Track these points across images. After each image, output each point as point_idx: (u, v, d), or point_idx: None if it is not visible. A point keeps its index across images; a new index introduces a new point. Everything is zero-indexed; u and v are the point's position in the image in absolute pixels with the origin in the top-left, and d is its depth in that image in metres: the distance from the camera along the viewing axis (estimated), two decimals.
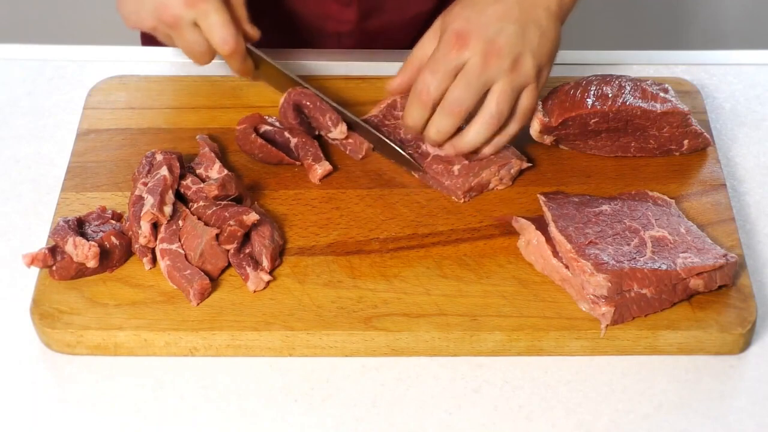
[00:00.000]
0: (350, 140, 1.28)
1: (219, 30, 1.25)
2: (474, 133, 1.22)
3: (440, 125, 1.21)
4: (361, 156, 1.27)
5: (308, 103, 1.28)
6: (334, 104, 1.29)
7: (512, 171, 1.25)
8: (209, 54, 1.28)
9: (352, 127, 1.29)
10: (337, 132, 1.27)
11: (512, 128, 1.23)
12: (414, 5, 1.50)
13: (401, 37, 1.53)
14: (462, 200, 1.23)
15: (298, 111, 1.29)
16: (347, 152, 1.28)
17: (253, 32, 1.31)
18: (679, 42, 2.64)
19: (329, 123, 1.27)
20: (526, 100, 1.22)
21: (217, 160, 1.23)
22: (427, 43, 1.25)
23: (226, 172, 1.22)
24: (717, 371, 1.12)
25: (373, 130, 1.28)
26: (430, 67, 1.20)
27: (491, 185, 1.24)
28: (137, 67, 1.40)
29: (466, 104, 1.20)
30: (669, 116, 1.25)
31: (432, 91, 1.20)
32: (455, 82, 1.20)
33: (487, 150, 1.24)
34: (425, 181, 1.26)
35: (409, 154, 1.26)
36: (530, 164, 1.26)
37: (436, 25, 1.24)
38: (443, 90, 1.20)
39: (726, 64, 1.43)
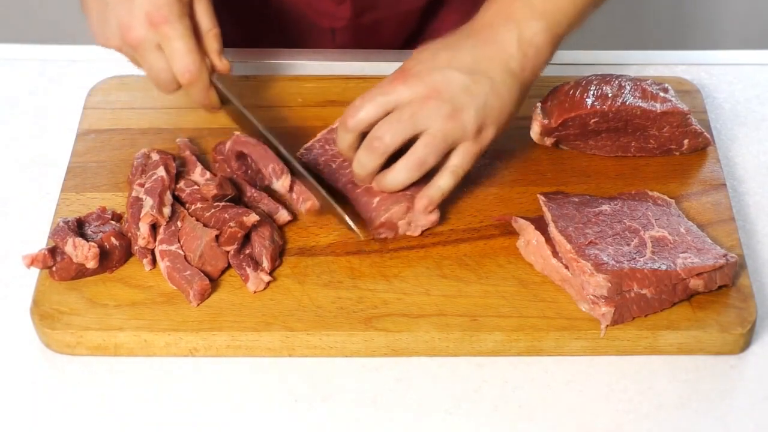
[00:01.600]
0: (293, 194, 1.21)
1: (181, 57, 1.18)
2: (395, 173, 1.16)
3: (362, 160, 1.17)
4: (305, 210, 1.20)
5: (252, 153, 1.21)
6: (285, 153, 1.22)
7: (421, 222, 1.19)
8: (174, 82, 1.21)
9: (297, 175, 1.21)
10: (279, 185, 1.20)
11: (443, 183, 1.17)
12: (407, 1, 1.50)
13: (395, 33, 1.53)
14: (378, 236, 1.19)
15: (242, 159, 1.23)
16: (295, 205, 1.22)
17: (222, 66, 1.24)
18: (679, 42, 2.64)
19: (272, 174, 1.20)
20: (458, 158, 1.16)
21: (198, 164, 1.23)
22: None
23: (208, 174, 1.21)
24: (717, 371, 1.12)
25: (320, 188, 1.20)
26: (364, 96, 1.17)
27: (401, 229, 1.19)
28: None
29: (388, 142, 1.14)
30: (669, 116, 1.25)
31: (359, 119, 1.16)
32: (386, 118, 1.15)
33: (419, 204, 1.17)
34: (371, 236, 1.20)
35: (354, 219, 1.18)
36: (437, 218, 1.19)
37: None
38: (369, 120, 1.16)
39: (726, 64, 1.43)
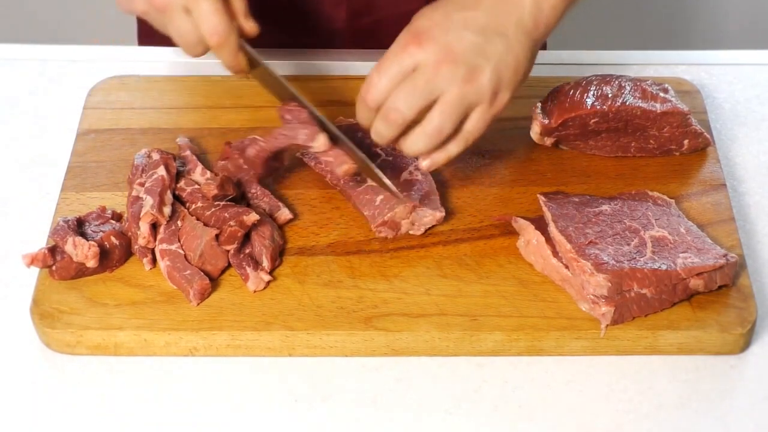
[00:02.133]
0: (330, 157, 1.20)
1: (209, 18, 1.14)
2: (410, 143, 1.15)
3: (379, 130, 1.15)
4: (342, 172, 1.19)
5: (294, 117, 1.21)
6: (320, 116, 1.21)
7: (425, 220, 1.19)
8: (201, 45, 1.17)
9: (336, 142, 1.20)
10: (317, 145, 1.18)
11: (453, 148, 1.15)
12: (405, 3, 1.49)
13: (393, 35, 1.52)
14: (378, 233, 1.19)
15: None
16: (327, 175, 1.22)
17: (250, 27, 1.21)
18: (679, 42, 2.64)
19: (306, 138, 1.19)
20: (472, 124, 1.14)
21: (199, 163, 1.23)
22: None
23: (208, 174, 1.22)
24: (717, 371, 1.12)
25: (359, 152, 1.19)
26: (379, 67, 1.14)
27: (403, 228, 1.19)
28: (137, 67, 1.40)
29: (405, 113, 1.13)
30: (669, 116, 1.25)
31: (376, 93, 1.14)
32: (400, 86, 1.13)
33: (425, 164, 1.17)
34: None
35: (394, 183, 1.19)
36: (443, 214, 1.19)
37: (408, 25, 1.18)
38: (388, 92, 1.13)
39: (726, 64, 1.43)
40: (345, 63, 1.42)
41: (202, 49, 1.18)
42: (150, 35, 1.58)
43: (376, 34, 1.51)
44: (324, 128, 1.20)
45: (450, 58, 1.11)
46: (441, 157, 1.16)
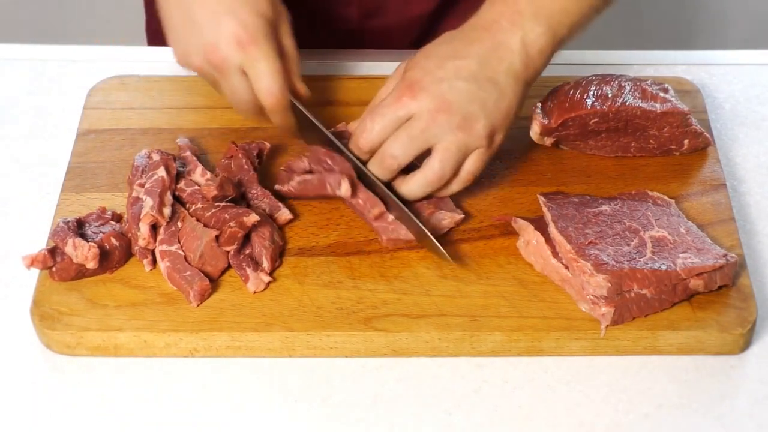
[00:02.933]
0: (359, 200, 1.19)
1: (265, 79, 1.17)
2: (412, 186, 1.17)
3: (374, 172, 1.18)
4: (373, 216, 1.18)
5: (326, 159, 1.20)
6: (356, 161, 1.20)
7: (443, 223, 1.20)
8: (254, 104, 1.20)
9: (368, 185, 1.20)
10: (342, 191, 1.18)
11: (453, 188, 1.19)
12: (416, 6, 1.50)
13: (403, 37, 1.52)
14: (385, 244, 1.18)
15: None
16: (362, 212, 1.20)
17: (303, 90, 1.24)
18: (679, 42, 2.64)
19: (333, 185, 1.18)
20: (470, 165, 1.17)
21: (199, 164, 1.23)
22: (390, 85, 1.21)
23: (209, 174, 1.22)
24: (717, 371, 1.12)
25: (395, 198, 1.18)
26: (374, 113, 1.17)
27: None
28: (137, 67, 1.40)
29: (401, 159, 1.16)
30: (669, 116, 1.25)
31: (370, 139, 1.17)
32: (396, 133, 1.15)
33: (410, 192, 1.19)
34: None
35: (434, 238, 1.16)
36: (463, 216, 1.21)
37: (400, 68, 1.21)
38: (383, 138, 1.16)
39: (726, 64, 1.43)
40: (346, 63, 1.42)
41: (254, 108, 1.21)
42: (160, 35, 1.58)
43: (384, 37, 1.51)
44: (359, 172, 1.20)
45: (445, 108, 1.14)
46: (442, 194, 1.20)
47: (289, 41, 1.22)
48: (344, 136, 1.24)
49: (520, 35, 1.17)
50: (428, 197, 1.20)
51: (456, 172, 1.18)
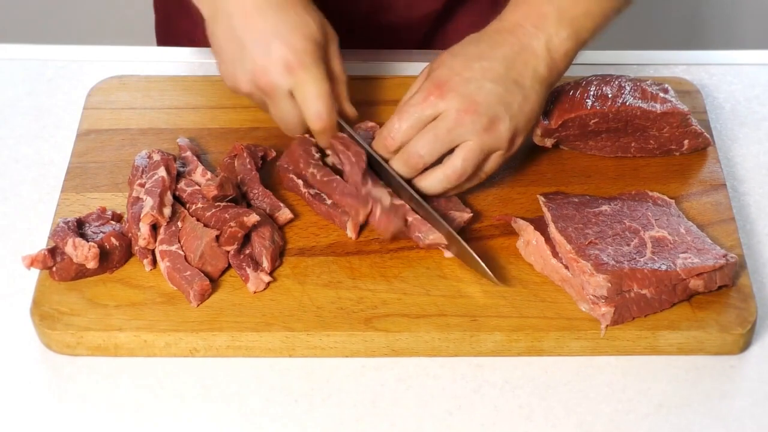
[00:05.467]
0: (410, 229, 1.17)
1: (314, 102, 1.17)
2: (431, 182, 1.18)
3: (397, 170, 1.18)
4: (428, 243, 1.16)
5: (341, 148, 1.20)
6: (402, 181, 1.19)
7: (453, 223, 1.19)
8: (302, 126, 1.20)
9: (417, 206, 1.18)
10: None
11: (467, 185, 1.20)
12: (423, 4, 1.50)
13: (410, 35, 1.52)
14: (388, 239, 1.18)
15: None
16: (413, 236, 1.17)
17: (351, 112, 1.24)
18: (679, 42, 2.64)
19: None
20: (489, 166, 1.19)
21: (199, 164, 1.23)
22: (417, 86, 1.21)
23: (209, 174, 1.22)
24: (717, 371, 1.12)
25: (443, 222, 1.17)
26: (401, 113, 1.17)
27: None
28: (137, 67, 1.40)
29: (427, 158, 1.16)
30: (669, 116, 1.25)
31: (397, 138, 1.17)
32: (422, 132, 1.16)
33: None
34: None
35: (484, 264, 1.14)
36: (471, 214, 1.20)
37: (425, 70, 1.21)
38: (410, 137, 1.17)
39: (726, 64, 1.43)
40: (355, 64, 1.41)
41: (301, 130, 1.22)
42: (168, 35, 1.58)
43: (391, 35, 1.51)
44: (381, 170, 1.20)
45: (472, 108, 1.15)
46: (454, 192, 1.20)
47: (338, 64, 1.22)
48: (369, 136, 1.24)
49: (545, 39, 1.17)
50: (439, 196, 1.20)
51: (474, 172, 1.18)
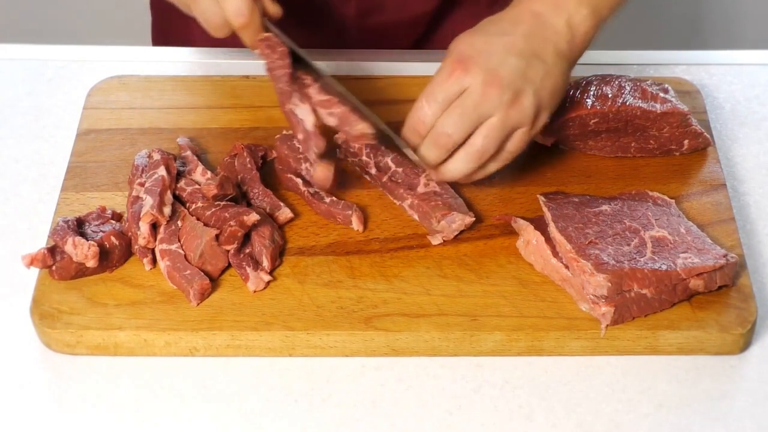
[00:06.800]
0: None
1: (234, 0, 1.15)
2: (454, 164, 1.17)
3: (426, 154, 1.17)
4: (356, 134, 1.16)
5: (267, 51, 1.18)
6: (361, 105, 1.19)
7: (454, 225, 1.19)
8: (226, 26, 1.18)
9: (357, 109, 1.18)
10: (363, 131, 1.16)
11: (491, 167, 1.18)
12: (415, 5, 1.49)
13: (403, 36, 1.52)
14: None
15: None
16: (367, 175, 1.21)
17: (274, 9, 1.21)
18: (679, 42, 2.64)
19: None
20: (513, 144, 1.17)
21: (199, 163, 1.23)
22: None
23: (209, 174, 1.22)
24: (717, 371, 1.12)
25: (379, 121, 1.18)
26: (427, 94, 1.16)
27: (434, 240, 1.19)
28: (137, 67, 1.41)
29: (456, 137, 1.15)
30: (669, 116, 1.25)
31: (428, 121, 1.16)
32: (449, 111, 1.15)
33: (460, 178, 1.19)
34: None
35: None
36: (474, 218, 1.20)
37: (448, 52, 1.19)
38: (438, 118, 1.15)
39: (726, 64, 1.43)
40: (351, 63, 1.41)
41: (227, 31, 1.19)
42: (163, 35, 1.58)
43: (383, 35, 1.50)
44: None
45: (497, 83, 1.13)
46: (478, 175, 1.19)
47: None
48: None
49: (566, 17, 1.17)
50: (453, 187, 1.20)
51: (496, 151, 1.17)
